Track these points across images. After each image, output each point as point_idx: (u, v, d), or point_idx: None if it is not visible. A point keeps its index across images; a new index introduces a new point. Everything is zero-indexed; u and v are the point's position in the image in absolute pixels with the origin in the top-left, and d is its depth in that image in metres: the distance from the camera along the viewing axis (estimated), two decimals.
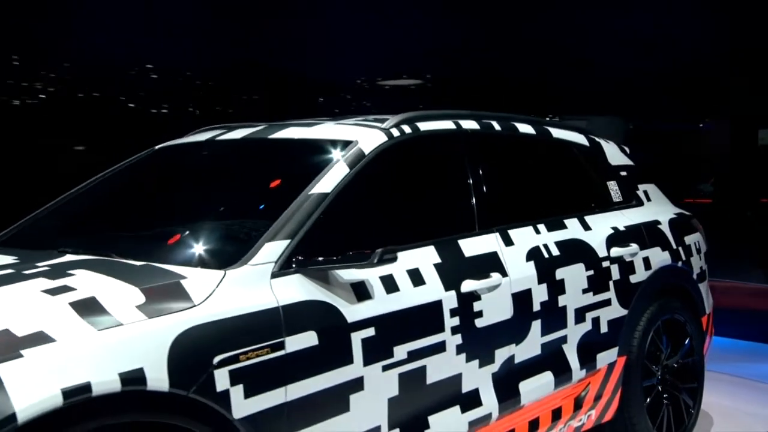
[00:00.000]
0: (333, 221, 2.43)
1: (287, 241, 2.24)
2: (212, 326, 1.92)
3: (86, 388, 1.62)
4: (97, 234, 2.87)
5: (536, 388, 2.93)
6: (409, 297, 2.46)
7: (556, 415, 3.04)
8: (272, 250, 2.21)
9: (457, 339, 2.59)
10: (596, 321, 3.23)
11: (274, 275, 2.17)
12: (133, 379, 1.72)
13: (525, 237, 3.02)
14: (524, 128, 3.43)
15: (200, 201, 2.96)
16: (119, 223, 2.97)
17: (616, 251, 3.36)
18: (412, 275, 2.51)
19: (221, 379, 1.89)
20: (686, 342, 3.78)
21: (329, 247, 2.28)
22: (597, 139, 3.85)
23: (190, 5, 9.32)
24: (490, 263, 2.80)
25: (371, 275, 2.38)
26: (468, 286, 2.65)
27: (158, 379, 1.76)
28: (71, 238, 2.81)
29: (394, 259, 2.31)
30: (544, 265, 3.01)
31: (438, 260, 2.63)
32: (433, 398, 2.53)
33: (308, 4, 9.53)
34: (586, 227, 3.35)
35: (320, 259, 2.21)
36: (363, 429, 2.29)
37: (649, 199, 3.91)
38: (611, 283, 3.31)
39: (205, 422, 1.87)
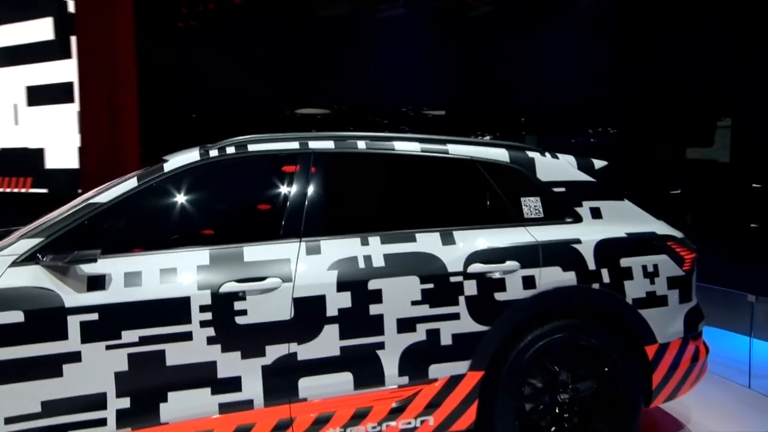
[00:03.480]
0: (112, 224, 2.54)
1: (39, 239, 2.43)
2: None
3: None
4: None
5: (323, 386, 2.63)
6: (150, 292, 2.45)
7: (361, 414, 2.67)
8: (22, 245, 2.42)
9: (209, 331, 2.49)
10: (433, 333, 2.72)
11: (14, 265, 2.38)
12: None
13: (340, 247, 2.70)
14: (405, 146, 3.00)
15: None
16: None
17: (476, 267, 2.76)
18: (163, 273, 2.48)
19: None
20: (606, 369, 2.90)
21: (95, 244, 2.42)
22: (532, 154, 3.13)
23: None
24: (272, 268, 2.59)
25: (115, 270, 2.44)
26: (229, 287, 2.51)
27: None
28: None
29: (91, 260, 2.35)
30: (355, 274, 2.65)
31: (206, 263, 2.54)
32: (175, 378, 2.48)
33: None
34: (448, 242, 2.80)
35: (44, 256, 2.36)
36: (82, 393, 2.38)
37: (598, 217, 3.06)
38: (462, 298, 2.74)
39: None
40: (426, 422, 2.75)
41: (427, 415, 2.75)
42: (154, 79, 9.62)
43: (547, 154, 3.19)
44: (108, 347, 2.39)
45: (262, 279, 2.56)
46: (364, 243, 2.74)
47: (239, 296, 2.53)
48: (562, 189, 3.09)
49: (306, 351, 2.60)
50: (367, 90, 11.89)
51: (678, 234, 3.20)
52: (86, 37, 10.00)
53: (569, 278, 2.86)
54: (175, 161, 2.72)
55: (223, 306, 2.51)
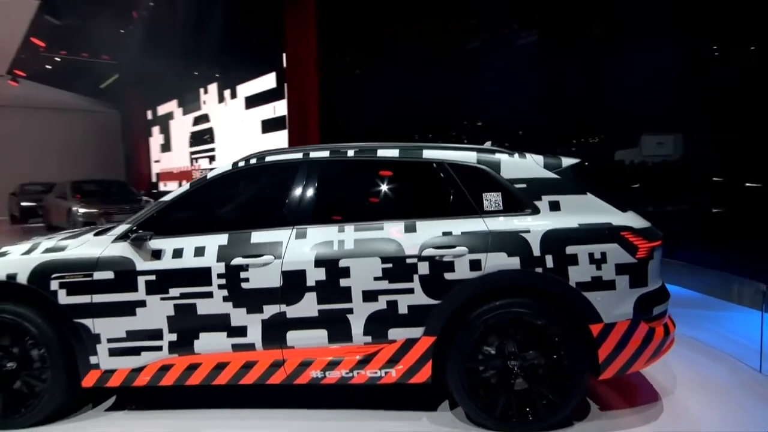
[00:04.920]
0: (171, 215, 2.89)
1: (129, 225, 2.86)
2: (58, 261, 2.80)
3: None
4: None
5: (305, 338, 2.70)
6: (187, 262, 2.74)
7: (335, 361, 2.70)
8: (120, 228, 2.87)
9: (224, 292, 2.71)
10: (392, 303, 2.64)
11: (114, 241, 2.84)
12: (12, 275, 2.78)
13: (321, 234, 2.74)
14: (386, 153, 2.91)
15: None
16: None
17: (429, 251, 2.62)
18: (197, 250, 2.76)
19: (53, 284, 2.76)
20: (551, 342, 2.56)
21: (162, 228, 2.80)
22: (499, 156, 2.84)
23: None
24: (269, 248, 2.73)
25: (166, 246, 2.77)
26: (237, 261, 2.71)
27: (23, 278, 2.77)
28: None
29: (144, 239, 2.70)
30: (329, 254, 2.67)
31: (225, 243, 2.76)
32: (204, 323, 2.74)
33: None
34: (410, 230, 2.69)
35: (139, 235, 2.78)
36: (147, 327, 2.76)
37: (556, 209, 2.70)
38: (416, 276, 2.62)
39: (42, 303, 2.78)
40: (389, 373, 2.70)
41: (390, 368, 2.69)
42: (332, 109, 10.33)
43: (515, 155, 2.88)
44: (162, 298, 2.74)
45: (260, 256, 2.72)
46: (341, 230, 2.74)
47: (244, 268, 2.71)
48: (523, 185, 2.76)
49: (292, 311, 2.70)
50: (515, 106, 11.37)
51: (638, 225, 2.67)
52: (292, 84, 11.08)
53: (513, 262, 2.58)
54: (215, 171, 2.99)
55: (232, 274, 2.71)
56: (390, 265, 2.64)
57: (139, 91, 19.56)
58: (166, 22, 13.54)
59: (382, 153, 2.92)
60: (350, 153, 2.95)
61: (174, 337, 2.77)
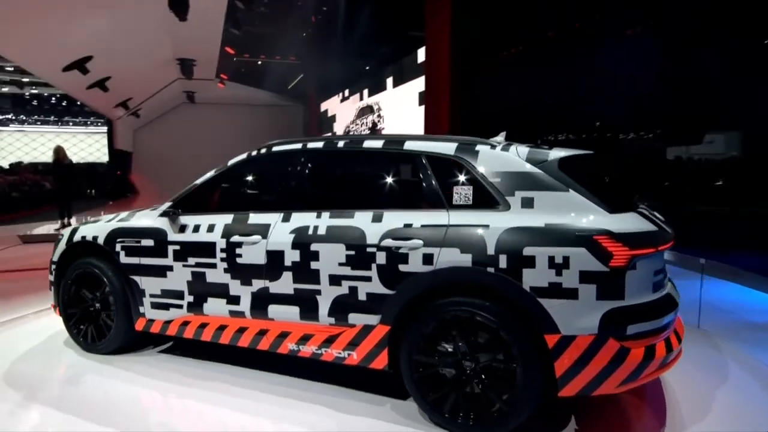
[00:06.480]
0: (199, 196, 3.30)
1: (169, 203, 3.35)
2: (122, 228, 3.42)
3: (85, 237, 3.51)
4: None
5: (282, 312, 2.88)
6: (202, 236, 3.14)
7: (306, 337, 2.82)
8: (164, 206, 3.38)
9: (224, 265, 3.04)
10: (353, 289, 2.66)
11: (159, 216, 3.36)
12: (96, 237, 3.49)
13: (302, 219, 2.86)
14: (370, 144, 2.89)
15: None
16: None
17: (387, 242, 2.57)
18: (209, 227, 3.13)
19: (116, 246, 3.40)
20: (502, 347, 2.32)
21: (191, 207, 3.26)
22: (479, 148, 2.63)
23: None
24: (260, 229, 2.95)
25: (190, 222, 3.20)
26: (235, 238, 3.00)
27: (101, 240, 3.46)
28: None
29: (174, 215, 3.17)
30: (304, 238, 2.79)
31: (230, 222, 3.07)
32: (210, 290, 3.11)
33: None
34: (377, 220, 2.65)
35: (170, 211, 3.27)
36: (174, 288, 3.23)
37: (529, 206, 2.40)
38: (374, 265, 2.59)
39: (112, 261, 3.42)
40: (351, 356, 2.74)
41: (351, 351, 2.73)
42: (463, 93, 10.22)
43: (498, 147, 2.60)
44: (183, 265, 3.19)
45: (252, 235, 2.97)
46: (318, 216, 2.83)
47: (239, 245, 2.99)
48: (498, 179, 2.50)
49: (274, 287, 2.90)
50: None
51: (622, 228, 2.21)
52: (428, 66, 11.33)
53: (465, 260, 2.38)
54: (234, 159, 3.30)
55: (231, 250, 3.01)
56: (353, 252, 2.66)
57: (316, 86, 21.70)
58: (334, 23, 14.80)
59: (367, 144, 2.92)
60: (340, 144, 3.01)
61: (191, 298, 3.20)
